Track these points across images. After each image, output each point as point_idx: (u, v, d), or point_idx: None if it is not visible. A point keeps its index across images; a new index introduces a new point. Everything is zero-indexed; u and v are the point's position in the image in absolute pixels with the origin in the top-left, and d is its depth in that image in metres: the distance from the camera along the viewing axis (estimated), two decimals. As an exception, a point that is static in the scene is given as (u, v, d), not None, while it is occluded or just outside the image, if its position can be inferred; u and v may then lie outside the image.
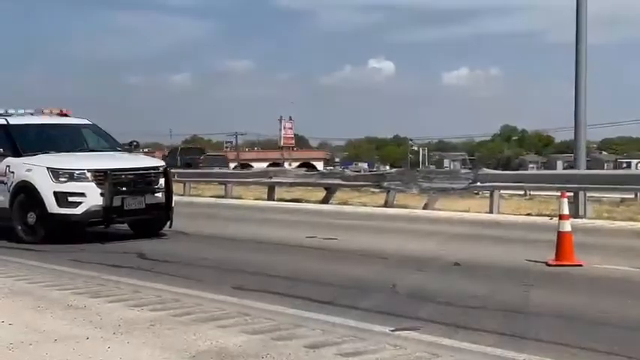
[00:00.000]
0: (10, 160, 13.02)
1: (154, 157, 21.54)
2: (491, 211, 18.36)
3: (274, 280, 8.83)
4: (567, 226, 9.79)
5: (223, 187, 27.45)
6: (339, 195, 24.04)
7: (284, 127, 55.50)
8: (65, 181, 12.41)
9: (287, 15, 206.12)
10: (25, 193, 12.62)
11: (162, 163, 13.95)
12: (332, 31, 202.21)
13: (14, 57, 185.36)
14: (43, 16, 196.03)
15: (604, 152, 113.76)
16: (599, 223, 15.85)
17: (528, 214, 18.11)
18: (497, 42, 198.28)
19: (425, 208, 19.63)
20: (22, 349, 5.70)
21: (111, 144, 14.62)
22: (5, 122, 13.73)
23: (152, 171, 13.35)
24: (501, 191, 19.71)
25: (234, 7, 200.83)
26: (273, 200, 24.16)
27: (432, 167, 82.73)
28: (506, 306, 7.25)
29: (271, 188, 24.92)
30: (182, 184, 27.12)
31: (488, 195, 19.40)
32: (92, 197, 12.40)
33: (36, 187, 12.44)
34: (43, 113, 14.76)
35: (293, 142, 59.64)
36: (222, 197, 26.08)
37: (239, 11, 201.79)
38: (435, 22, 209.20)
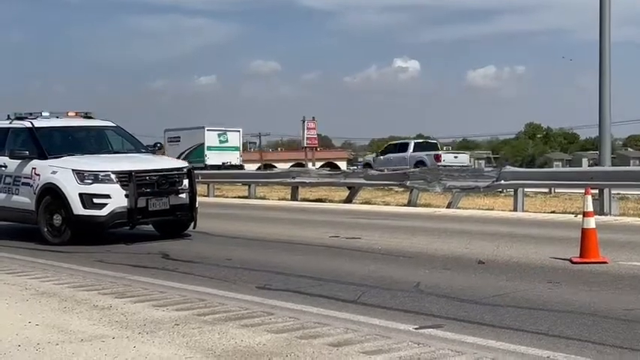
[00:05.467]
0: (35, 162, 13.15)
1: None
2: (515, 209, 18.28)
3: (298, 279, 8.86)
4: (592, 223, 9.71)
5: (247, 187, 27.54)
6: (362, 194, 24.05)
7: (307, 128, 55.40)
8: (90, 183, 12.51)
9: (311, 16, 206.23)
10: (51, 195, 12.74)
11: (186, 164, 14.00)
12: (357, 30, 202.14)
13: (43, 62, 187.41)
14: (69, 23, 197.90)
15: (630, 149, 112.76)
16: (624, 220, 15.73)
17: (553, 212, 18.01)
18: (523, 40, 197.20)
19: (449, 206, 19.58)
20: (49, 349, 5.76)
21: (135, 146, 14.71)
22: (30, 125, 13.87)
23: (176, 172, 13.41)
24: (526, 189, 19.61)
25: (259, 9, 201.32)
26: (297, 200, 24.21)
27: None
28: (530, 303, 7.23)
29: (295, 188, 24.98)
30: (206, 185, 27.25)
31: (512, 193, 19.32)
32: (117, 199, 12.49)
33: (61, 189, 12.55)
34: (67, 116, 14.89)
35: (316, 142, 59.39)
36: (246, 198, 26.15)
37: (263, 13, 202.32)
38: (461, 20, 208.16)
